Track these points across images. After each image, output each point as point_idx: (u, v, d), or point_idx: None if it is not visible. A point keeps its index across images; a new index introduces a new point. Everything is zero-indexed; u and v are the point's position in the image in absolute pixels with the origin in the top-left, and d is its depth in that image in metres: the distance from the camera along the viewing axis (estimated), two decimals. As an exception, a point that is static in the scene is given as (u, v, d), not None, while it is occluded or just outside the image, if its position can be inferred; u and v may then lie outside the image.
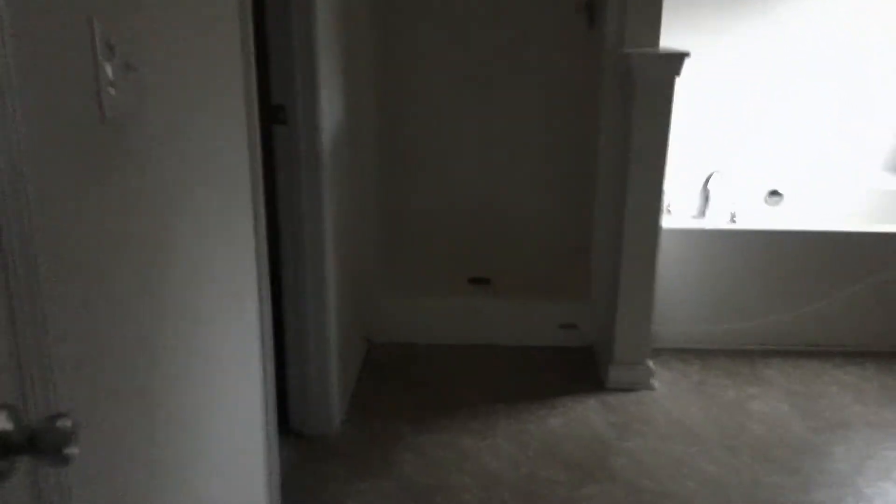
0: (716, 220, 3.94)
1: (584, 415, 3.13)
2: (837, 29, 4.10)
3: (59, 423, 0.85)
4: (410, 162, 4.02)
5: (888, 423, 3.08)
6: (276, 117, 2.72)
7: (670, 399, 3.25)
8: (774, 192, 4.22)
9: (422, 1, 3.81)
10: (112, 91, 1.13)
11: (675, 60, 3.03)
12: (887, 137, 4.27)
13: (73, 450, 0.85)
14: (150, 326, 1.34)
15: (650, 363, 3.32)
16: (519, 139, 4.00)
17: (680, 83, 3.07)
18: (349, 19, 3.13)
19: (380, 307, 3.71)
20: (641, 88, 3.07)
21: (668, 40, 3.25)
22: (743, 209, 4.00)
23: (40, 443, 0.84)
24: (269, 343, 2.15)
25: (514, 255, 4.06)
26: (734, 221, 3.94)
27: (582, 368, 3.50)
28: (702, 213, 3.94)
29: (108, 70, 1.11)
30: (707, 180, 3.93)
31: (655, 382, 3.32)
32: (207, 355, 1.67)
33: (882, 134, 4.27)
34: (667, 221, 3.30)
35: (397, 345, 3.67)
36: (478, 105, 3.95)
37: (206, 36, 1.66)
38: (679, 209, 3.78)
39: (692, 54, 3.04)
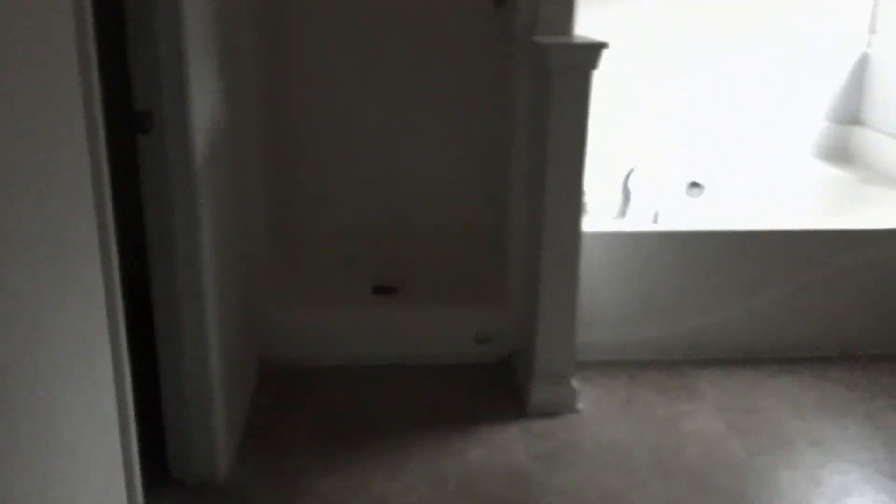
0: (637, 219, 3.67)
1: (506, 445, 2.81)
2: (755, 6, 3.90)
3: None
4: (303, 159, 3.62)
5: (830, 440, 2.86)
6: (140, 125, 2.30)
7: (598, 422, 2.96)
8: (695, 184, 3.98)
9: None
10: None
11: (593, 51, 2.72)
12: (815, 122, 4.08)
13: None
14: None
15: (574, 383, 3.03)
16: (424, 131, 3.65)
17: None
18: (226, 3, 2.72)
19: (275, 325, 3.29)
20: (558, 81, 2.76)
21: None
22: (665, 205, 3.75)
23: None
24: (128, 394, 1.76)
25: (422, 260, 3.71)
26: (657, 221, 3.68)
27: (500, 387, 3.18)
28: (622, 212, 3.67)
29: None
30: (627, 177, 3.65)
31: (580, 403, 3.03)
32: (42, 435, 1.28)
33: (809, 119, 4.08)
34: (586, 223, 2.99)
35: (296, 367, 3.26)
36: (378, 93, 3.58)
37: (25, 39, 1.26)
38: (598, 209, 3.48)
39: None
